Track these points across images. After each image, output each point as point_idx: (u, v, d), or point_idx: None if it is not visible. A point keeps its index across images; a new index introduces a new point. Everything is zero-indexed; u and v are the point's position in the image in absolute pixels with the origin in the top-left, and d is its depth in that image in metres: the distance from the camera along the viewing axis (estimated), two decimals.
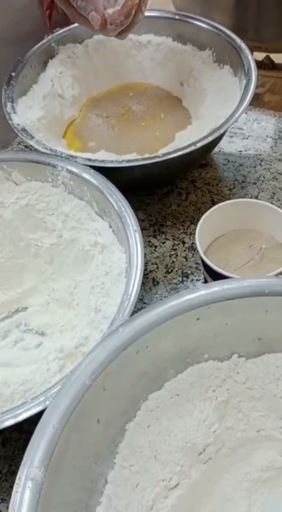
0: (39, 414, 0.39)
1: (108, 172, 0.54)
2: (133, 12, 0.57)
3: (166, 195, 0.68)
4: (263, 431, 0.43)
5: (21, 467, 0.33)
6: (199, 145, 0.55)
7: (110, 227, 0.52)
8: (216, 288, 0.41)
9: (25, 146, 0.75)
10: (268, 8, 1.13)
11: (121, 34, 0.59)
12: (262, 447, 0.43)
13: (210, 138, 0.56)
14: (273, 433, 0.43)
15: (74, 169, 0.53)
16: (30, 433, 0.48)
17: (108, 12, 0.56)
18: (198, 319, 0.41)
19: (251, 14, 1.30)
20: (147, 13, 0.73)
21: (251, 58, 0.64)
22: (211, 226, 0.55)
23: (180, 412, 0.42)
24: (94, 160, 0.55)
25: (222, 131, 0.56)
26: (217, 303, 0.41)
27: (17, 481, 0.33)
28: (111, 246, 0.50)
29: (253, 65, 0.63)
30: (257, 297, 0.41)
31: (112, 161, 0.55)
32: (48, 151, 0.56)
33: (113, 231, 0.51)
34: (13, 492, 0.32)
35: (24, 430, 0.48)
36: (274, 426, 0.43)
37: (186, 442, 0.41)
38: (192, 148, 0.55)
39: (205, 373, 0.43)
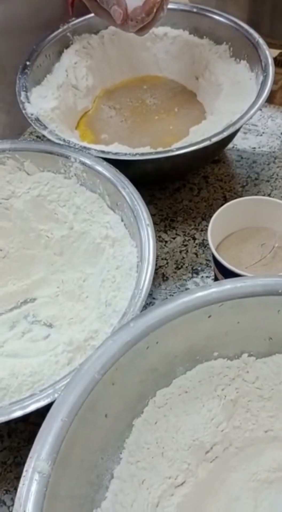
0: (47, 406, 0.39)
1: (120, 165, 0.54)
2: (155, 10, 0.57)
3: (178, 190, 0.67)
4: (271, 432, 0.43)
5: (28, 460, 0.33)
6: (213, 140, 0.54)
7: (122, 220, 0.51)
8: (228, 285, 0.41)
9: (37, 136, 0.74)
10: None
11: (141, 31, 0.59)
12: (269, 447, 0.43)
13: (225, 134, 0.55)
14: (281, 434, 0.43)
15: (87, 161, 0.53)
16: (36, 424, 0.48)
17: (130, 8, 0.55)
18: (209, 316, 0.41)
19: (266, 10, 1.29)
20: None
21: (269, 54, 0.63)
22: (223, 223, 0.54)
23: (188, 410, 0.42)
24: (108, 153, 0.54)
25: (237, 126, 0.56)
26: (229, 301, 0.40)
27: (24, 473, 0.33)
28: (122, 240, 0.49)
29: (270, 61, 0.62)
30: (270, 296, 0.40)
31: (125, 154, 0.54)
32: (61, 142, 0.55)
33: (125, 224, 0.51)
34: (20, 485, 0.32)
35: (30, 421, 0.48)
36: None
37: (194, 440, 0.40)
38: (207, 143, 0.54)
39: (214, 371, 0.43)
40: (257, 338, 0.43)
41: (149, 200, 0.65)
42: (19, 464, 0.46)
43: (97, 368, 0.37)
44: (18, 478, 0.46)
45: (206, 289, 0.40)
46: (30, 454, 0.33)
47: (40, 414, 0.40)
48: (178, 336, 0.40)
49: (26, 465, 0.33)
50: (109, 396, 0.38)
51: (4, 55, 0.76)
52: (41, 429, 0.34)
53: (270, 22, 1.29)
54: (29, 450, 0.46)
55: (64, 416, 0.34)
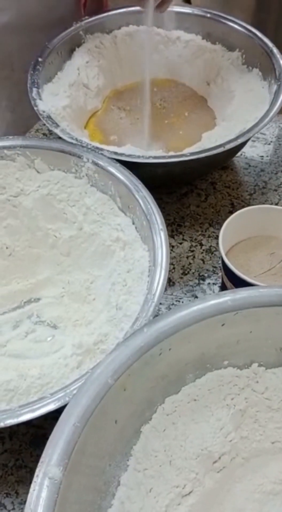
0: (55, 410, 0.38)
1: (130, 167, 0.53)
2: None
3: (185, 195, 0.67)
4: (278, 443, 0.42)
5: (39, 464, 0.32)
6: (227, 147, 0.54)
7: (133, 223, 0.51)
8: (244, 294, 0.40)
9: (44, 134, 0.74)
10: None
11: (161, 6, 0.58)
12: (276, 459, 0.42)
13: (239, 141, 0.55)
14: None
15: (100, 162, 0.52)
16: (38, 427, 0.47)
17: None
18: (223, 324, 0.40)
19: (272, 17, 1.30)
20: (178, 9, 0.73)
21: None
22: (233, 230, 0.54)
23: (196, 418, 0.41)
24: (121, 154, 0.54)
25: (251, 134, 0.56)
26: (244, 310, 0.40)
27: (35, 479, 0.32)
28: (134, 243, 0.49)
29: None
30: None
31: (139, 156, 0.54)
32: (74, 141, 0.55)
33: (136, 227, 0.50)
34: (30, 490, 0.31)
35: (32, 424, 0.47)
36: None
37: (202, 449, 0.40)
38: (221, 149, 0.54)
39: (224, 380, 0.42)
40: (268, 348, 0.43)
41: (156, 204, 0.64)
42: (20, 467, 0.45)
43: (110, 373, 0.36)
44: (19, 481, 0.45)
45: (221, 297, 0.40)
46: (41, 459, 0.32)
47: (44, 416, 0.39)
48: (190, 343, 0.40)
49: (36, 471, 0.32)
50: (120, 401, 0.37)
51: (13, 52, 0.75)
52: (53, 433, 0.33)
53: (275, 29, 1.30)
54: (30, 453, 0.46)
55: (77, 421, 0.34)
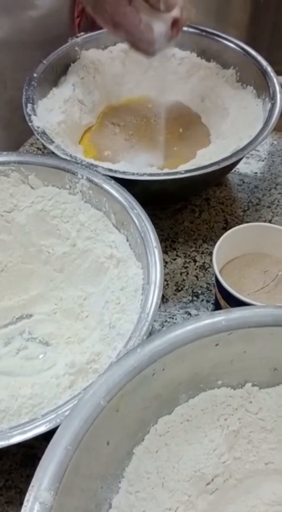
0: (46, 431, 0.37)
1: (125, 183, 0.53)
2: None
3: (179, 211, 0.67)
4: (272, 464, 0.42)
5: (29, 489, 0.32)
6: (222, 165, 0.54)
7: (127, 240, 0.50)
8: (238, 314, 0.40)
9: (38, 148, 0.74)
10: None
11: (175, 33, 0.58)
12: (269, 480, 0.42)
13: (234, 159, 0.55)
14: None
15: (94, 178, 0.52)
16: (29, 447, 0.47)
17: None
18: (217, 344, 0.40)
19: (265, 34, 1.32)
20: None
21: (277, 81, 0.64)
22: (227, 247, 0.54)
23: (190, 439, 0.41)
24: (115, 171, 0.54)
25: (245, 152, 0.56)
26: (238, 330, 0.40)
27: (25, 503, 0.31)
28: (127, 260, 0.48)
29: (278, 88, 0.62)
30: (279, 327, 0.40)
31: (133, 174, 0.54)
32: (68, 158, 0.55)
33: (130, 245, 0.50)
34: None
35: (23, 443, 0.46)
36: None
37: (195, 471, 0.39)
38: (215, 167, 0.54)
39: (218, 400, 0.42)
40: (262, 368, 0.42)
41: (150, 220, 0.64)
42: (10, 487, 0.44)
43: (103, 394, 0.36)
44: (8, 502, 0.44)
45: (215, 316, 0.40)
46: (32, 483, 0.32)
47: (35, 437, 0.39)
48: (184, 363, 0.40)
49: (27, 495, 0.31)
50: (113, 423, 0.37)
51: (6, 69, 0.75)
52: (44, 456, 0.33)
53: (268, 47, 1.31)
54: (21, 473, 0.45)
55: (69, 443, 0.33)
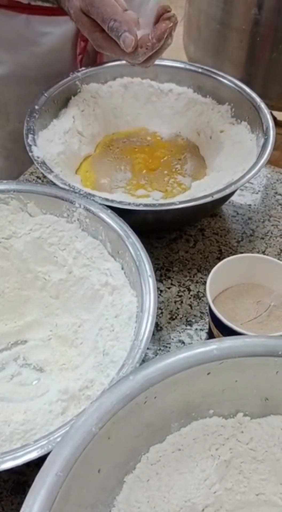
0: (38, 458, 0.38)
1: (121, 213, 0.55)
2: (165, 36, 0.56)
3: (174, 240, 0.68)
4: (262, 495, 0.42)
5: None
6: (215, 197, 0.56)
7: (122, 268, 0.51)
8: (229, 343, 0.41)
9: (38, 177, 0.75)
10: (277, 67, 1.18)
11: (147, 61, 0.59)
12: (260, 511, 0.42)
13: (227, 191, 0.56)
14: (273, 498, 0.42)
15: (91, 208, 0.54)
16: (20, 474, 0.46)
17: (139, 35, 0.55)
18: (208, 373, 0.40)
19: (260, 71, 1.35)
20: (171, 63, 0.76)
21: (270, 117, 0.66)
22: (221, 277, 0.55)
23: (181, 468, 0.41)
24: (112, 201, 0.55)
25: (239, 185, 0.57)
26: (230, 359, 0.40)
27: None
28: (122, 288, 0.49)
29: (271, 124, 0.64)
30: (270, 357, 0.40)
31: (129, 203, 0.55)
32: (67, 187, 0.56)
33: (125, 273, 0.51)
34: None
35: (14, 470, 0.46)
36: (274, 491, 0.42)
37: (186, 501, 0.39)
38: (209, 199, 0.56)
39: (209, 429, 0.42)
40: (253, 397, 0.43)
41: (146, 249, 0.65)
42: None
43: (95, 421, 0.36)
44: None
45: (207, 345, 0.40)
46: (22, 509, 0.32)
47: (27, 464, 0.39)
48: (176, 391, 0.40)
49: None
50: (104, 450, 0.37)
51: (10, 102, 0.77)
52: (34, 482, 0.33)
53: (264, 83, 1.35)
54: (11, 500, 0.45)
55: (59, 470, 0.33)
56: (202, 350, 0.40)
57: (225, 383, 0.42)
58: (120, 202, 0.55)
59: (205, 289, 0.62)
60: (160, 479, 0.40)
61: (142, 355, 0.41)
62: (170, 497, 0.39)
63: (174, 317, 0.60)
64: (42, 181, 0.73)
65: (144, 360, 0.43)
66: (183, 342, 0.57)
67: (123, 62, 0.75)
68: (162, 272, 0.64)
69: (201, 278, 0.64)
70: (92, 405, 0.37)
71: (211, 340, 0.42)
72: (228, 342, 0.41)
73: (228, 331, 0.49)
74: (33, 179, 0.75)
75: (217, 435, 0.42)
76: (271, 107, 1.33)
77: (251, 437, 0.42)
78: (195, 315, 0.60)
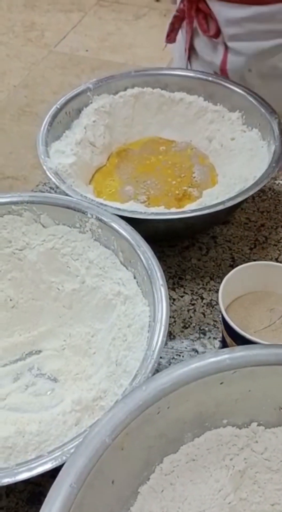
0: (52, 469, 0.38)
1: (134, 222, 0.55)
2: None
3: (187, 248, 0.68)
4: (278, 505, 0.42)
5: None
6: (227, 205, 0.56)
7: (134, 278, 0.52)
8: (242, 353, 0.41)
9: (50, 188, 0.76)
10: None
11: None
12: None
13: (239, 199, 0.56)
14: None
15: (103, 218, 0.54)
16: (35, 484, 0.47)
17: None
18: (221, 383, 0.40)
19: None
20: (181, 73, 0.77)
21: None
22: (233, 285, 0.55)
23: (195, 479, 0.41)
24: (124, 210, 0.56)
25: (251, 193, 0.57)
26: (243, 369, 0.40)
27: None
28: (135, 297, 0.49)
29: None
30: None
31: (141, 213, 0.56)
32: (79, 197, 0.57)
33: (137, 282, 0.51)
34: None
35: (30, 481, 0.46)
36: None
37: (200, 511, 0.39)
38: (220, 207, 0.56)
39: (223, 439, 0.42)
40: (267, 407, 0.43)
41: (158, 257, 0.65)
42: None
43: (108, 432, 0.36)
44: None
45: (219, 355, 0.40)
46: None
47: (41, 474, 0.39)
48: (189, 401, 0.40)
49: None
50: (117, 461, 0.37)
51: None
52: (49, 493, 0.33)
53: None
54: (27, 511, 0.45)
55: (74, 481, 0.34)
56: (214, 360, 0.40)
57: (239, 393, 0.41)
58: (132, 212, 0.56)
59: (218, 297, 0.62)
60: (174, 490, 0.40)
61: (154, 365, 0.41)
62: (184, 507, 0.39)
63: (187, 325, 0.60)
64: (55, 191, 0.74)
65: (157, 370, 0.43)
66: (197, 351, 0.57)
67: (133, 72, 0.76)
68: (175, 280, 0.64)
69: (214, 286, 0.64)
70: (105, 416, 0.37)
71: (223, 349, 0.42)
72: (240, 352, 0.41)
73: (241, 340, 0.49)
74: (46, 190, 0.76)
75: (231, 445, 0.42)
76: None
77: (265, 447, 0.42)
78: (208, 324, 0.60)
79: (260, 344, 0.45)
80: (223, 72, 0.79)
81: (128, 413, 0.37)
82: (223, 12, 0.74)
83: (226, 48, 0.78)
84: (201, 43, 0.81)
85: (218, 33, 0.77)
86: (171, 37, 0.83)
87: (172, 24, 0.82)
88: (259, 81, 0.77)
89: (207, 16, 0.76)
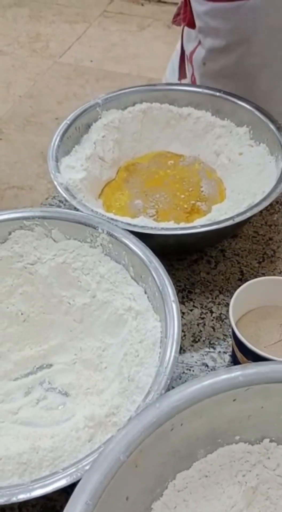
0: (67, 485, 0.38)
1: (144, 237, 0.56)
2: None
3: (195, 262, 0.69)
4: None
5: None
6: (237, 220, 0.56)
7: (145, 293, 0.52)
8: (254, 369, 0.41)
9: (60, 201, 0.77)
10: None
11: None
12: None
13: (248, 214, 0.57)
14: None
15: (114, 233, 0.55)
16: (48, 499, 0.47)
17: None
18: (234, 400, 0.41)
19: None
20: (189, 88, 0.77)
21: None
22: (243, 300, 0.55)
23: (208, 495, 0.41)
24: (134, 225, 0.56)
25: (260, 208, 0.58)
26: (255, 386, 0.40)
27: None
28: (146, 313, 0.50)
29: None
30: None
31: (151, 228, 0.56)
32: (90, 213, 0.57)
33: (148, 297, 0.52)
34: None
35: (42, 496, 0.47)
36: None
37: None
38: (230, 222, 0.56)
39: (235, 455, 0.42)
40: (279, 423, 0.43)
41: (167, 270, 0.66)
42: None
43: (123, 449, 0.36)
44: None
45: (232, 371, 0.41)
46: None
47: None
48: (202, 418, 0.40)
49: None
50: (132, 478, 0.37)
51: None
52: (64, 511, 0.34)
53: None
54: None
55: (89, 498, 0.34)
56: (227, 377, 0.41)
57: (251, 409, 0.42)
58: (142, 227, 0.56)
59: (227, 311, 0.62)
60: (187, 506, 0.40)
61: (167, 382, 0.41)
62: None
63: (196, 339, 0.60)
64: (64, 204, 0.75)
65: (168, 386, 0.44)
66: (207, 365, 0.57)
67: (141, 88, 0.77)
68: (184, 294, 0.65)
69: (223, 299, 0.64)
70: (119, 433, 0.37)
71: (236, 366, 0.42)
72: (253, 368, 0.41)
73: (252, 355, 0.49)
74: (56, 203, 0.76)
75: (244, 461, 0.42)
76: None
77: (277, 463, 0.42)
78: (218, 338, 0.60)
79: (273, 360, 0.45)
80: (190, 61, 0.85)
81: (142, 430, 0.37)
82: (192, 4, 0.80)
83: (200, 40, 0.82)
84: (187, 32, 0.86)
85: (191, 23, 0.81)
86: (176, 19, 0.87)
87: (179, 8, 0.86)
88: (211, 76, 0.82)
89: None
